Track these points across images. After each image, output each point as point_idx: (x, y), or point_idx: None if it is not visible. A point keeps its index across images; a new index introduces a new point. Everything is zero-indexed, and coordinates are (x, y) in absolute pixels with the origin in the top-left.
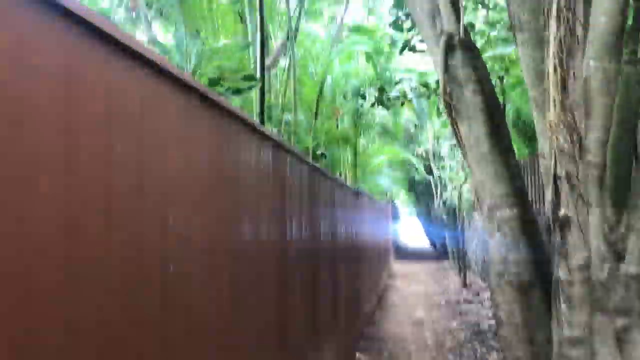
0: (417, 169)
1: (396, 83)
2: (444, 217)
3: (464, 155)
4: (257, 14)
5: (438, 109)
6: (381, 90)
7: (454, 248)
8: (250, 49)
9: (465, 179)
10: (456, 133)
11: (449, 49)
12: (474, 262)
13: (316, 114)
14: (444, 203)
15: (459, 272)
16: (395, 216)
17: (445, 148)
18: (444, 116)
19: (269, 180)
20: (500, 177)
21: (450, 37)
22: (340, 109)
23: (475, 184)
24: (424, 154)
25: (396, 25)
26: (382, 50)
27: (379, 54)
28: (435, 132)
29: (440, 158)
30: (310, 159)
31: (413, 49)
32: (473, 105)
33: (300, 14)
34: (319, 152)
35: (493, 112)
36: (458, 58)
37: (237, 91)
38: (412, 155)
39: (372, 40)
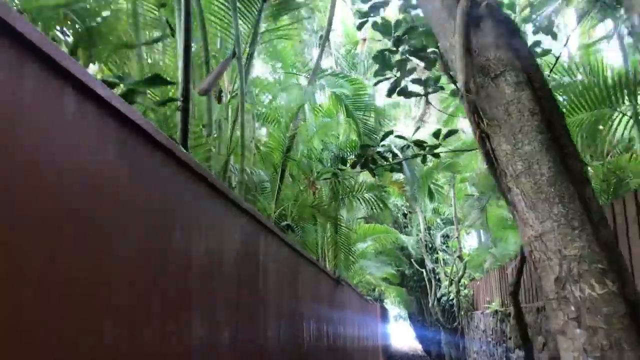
0: (410, 260)
1: (382, 138)
2: (440, 317)
3: (505, 190)
4: (182, 22)
5: (430, 191)
6: (364, 147)
7: (453, 355)
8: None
9: (463, 272)
10: (488, 153)
11: (472, 19)
12: None
13: (282, 174)
14: (439, 300)
15: None
16: (384, 317)
17: (438, 239)
18: (436, 202)
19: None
20: (577, 223)
21: (473, 0)
22: (317, 182)
23: (529, 239)
24: (414, 247)
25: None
26: (364, 104)
27: (360, 108)
28: (427, 220)
29: (433, 250)
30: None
31: (404, 92)
32: (517, 104)
33: (255, 30)
34: (283, 224)
35: (551, 115)
36: (488, 31)
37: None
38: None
39: (352, 88)
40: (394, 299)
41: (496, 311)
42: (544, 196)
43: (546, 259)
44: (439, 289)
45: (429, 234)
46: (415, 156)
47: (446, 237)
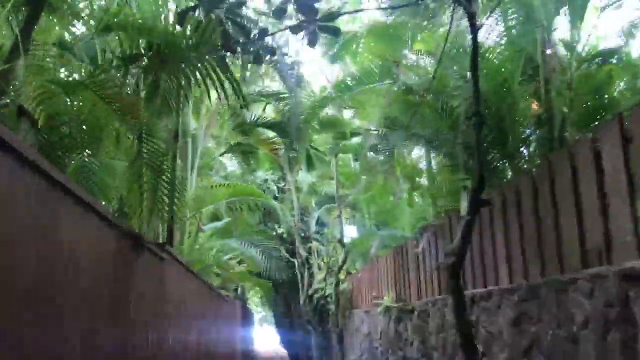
0: (280, 247)
1: None
2: (311, 319)
3: None
4: None
5: (309, 157)
6: None
7: None
8: None
9: (345, 259)
10: None
11: None
12: None
13: None
14: (310, 298)
15: None
16: (246, 318)
17: (312, 225)
18: (314, 175)
19: None
20: None
21: None
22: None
23: None
24: (284, 234)
25: None
26: None
27: None
28: (300, 200)
29: (307, 239)
30: None
31: None
32: None
33: None
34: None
35: None
36: None
37: None
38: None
39: None
40: (259, 299)
41: (387, 308)
42: None
43: None
44: (312, 284)
45: (303, 219)
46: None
47: (321, 224)
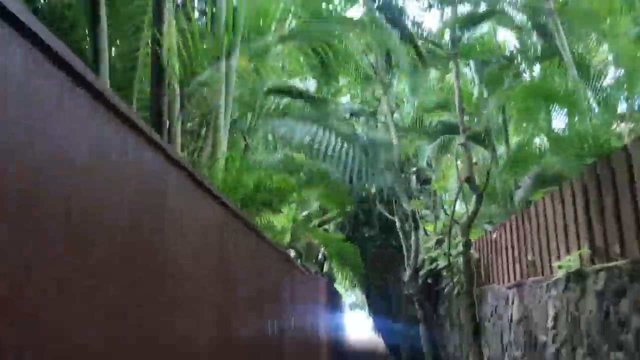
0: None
1: None
2: (421, 302)
3: None
4: None
5: (420, 55)
6: None
7: None
8: None
9: (477, 208)
10: None
11: None
12: None
13: None
14: (416, 272)
15: None
16: (332, 299)
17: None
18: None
19: None
20: None
21: None
22: None
23: None
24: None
25: None
26: None
27: None
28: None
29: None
30: None
31: None
32: None
33: None
34: None
35: None
36: None
37: None
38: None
39: None
40: (348, 280)
41: (577, 274)
42: None
43: None
44: (418, 255)
45: (402, 169)
46: None
47: (424, 181)
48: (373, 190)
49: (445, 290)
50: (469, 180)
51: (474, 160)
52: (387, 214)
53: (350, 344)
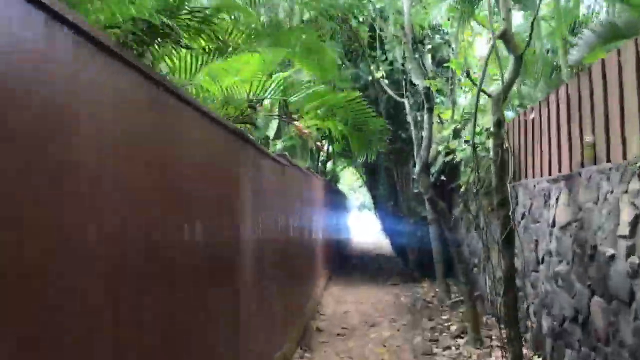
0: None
1: None
2: (432, 200)
3: None
4: None
5: None
6: None
7: (463, 264)
8: None
9: (513, 76)
10: None
11: None
12: (533, 310)
13: None
14: (428, 166)
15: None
16: (334, 198)
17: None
18: None
19: None
20: None
21: None
22: None
23: None
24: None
25: None
26: None
27: None
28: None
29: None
30: None
31: None
32: None
33: None
34: None
35: None
36: None
37: None
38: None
39: None
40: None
41: None
42: None
43: None
44: (430, 144)
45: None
46: None
47: (439, 63)
48: (380, 73)
49: (464, 187)
50: (506, 36)
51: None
52: (395, 97)
53: (355, 246)
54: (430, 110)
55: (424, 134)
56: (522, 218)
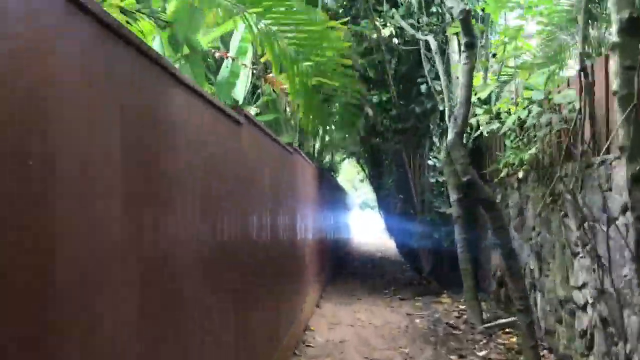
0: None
1: None
2: (473, 179)
3: None
4: None
5: None
6: None
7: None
8: None
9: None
10: None
11: None
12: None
13: None
14: (461, 135)
15: None
16: (331, 194)
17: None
18: None
19: None
20: None
21: None
22: None
23: None
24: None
25: None
26: None
27: None
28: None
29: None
30: None
31: None
32: None
33: None
34: None
35: None
36: None
37: None
38: None
39: None
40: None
41: None
42: None
43: None
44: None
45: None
46: None
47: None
48: (388, 30)
49: (505, 172)
50: None
51: None
52: (413, 32)
53: (355, 248)
54: (471, 47)
55: (461, 81)
56: (622, 212)
